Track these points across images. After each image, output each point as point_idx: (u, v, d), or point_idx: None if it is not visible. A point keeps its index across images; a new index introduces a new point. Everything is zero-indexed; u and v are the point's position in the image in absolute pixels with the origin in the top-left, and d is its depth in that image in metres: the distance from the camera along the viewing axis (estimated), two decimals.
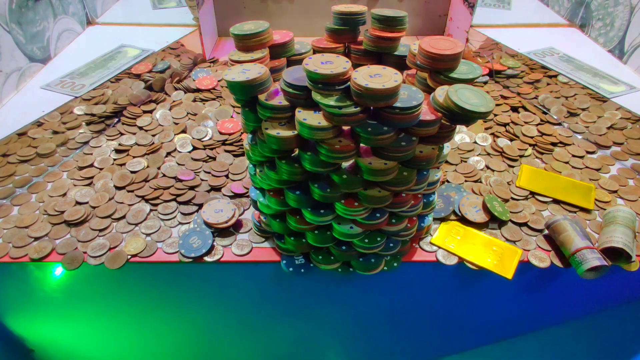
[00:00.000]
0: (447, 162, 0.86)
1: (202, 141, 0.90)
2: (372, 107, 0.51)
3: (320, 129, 0.50)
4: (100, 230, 0.71)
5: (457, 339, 0.90)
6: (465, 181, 0.82)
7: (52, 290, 0.74)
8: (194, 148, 0.89)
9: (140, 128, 0.93)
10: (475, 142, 0.92)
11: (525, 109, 1.00)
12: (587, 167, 0.85)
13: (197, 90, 1.06)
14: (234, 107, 1.00)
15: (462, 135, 0.93)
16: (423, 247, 0.70)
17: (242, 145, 0.89)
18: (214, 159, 0.86)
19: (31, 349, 0.91)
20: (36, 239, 0.70)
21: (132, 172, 0.82)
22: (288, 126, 0.54)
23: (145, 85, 1.03)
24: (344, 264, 0.67)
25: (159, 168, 0.84)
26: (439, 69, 0.55)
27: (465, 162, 0.86)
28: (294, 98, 0.53)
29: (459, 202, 0.75)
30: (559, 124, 0.97)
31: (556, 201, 0.78)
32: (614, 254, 0.66)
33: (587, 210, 0.76)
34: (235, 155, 0.87)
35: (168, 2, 1.34)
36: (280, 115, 0.54)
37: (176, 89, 1.05)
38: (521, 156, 0.88)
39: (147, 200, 0.77)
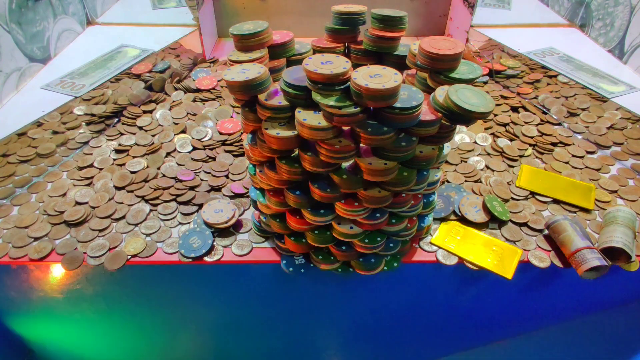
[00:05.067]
0: (447, 162, 0.86)
1: (202, 141, 0.90)
2: (372, 107, 0.51)
3: (320, 129, 0.50)
4: (100, 231, 0.71)
5: (457, 339, 0.90)
6: (465, 181, 0.82)
7: (52, 290, 0.74)
8: (194, 148, 0.89)
9: (140, 128, 0.93)
10: (475, 142, 0.92)
11: (525, 109, 1.00)
12: (587, 167, 0.85)
13: (197, 90, 1.06)
14: (234, 107, 1.00)
15: (462, 135, 0.93)
16: (423, 247, 0.70)
17: (242, 145, 0.89)
18: (214, 159, 0.86)
19: (31, 349, 0.91)
20: (36, 239, 0.70)
21: (132, 172, 0.82)
22: (288, 126, 0.54)
23: (145, 85, 1.02)
24: (344, 264, 0.67)
25: (158, 168, 0.84)
26: (439, 69, 0.55)
27: (465, 162, 0.86)
28: (294, 98, 0.53)
29: (459, 202, 0.75)
30: (559, 124, 0.97)
31: (556, 201, 0.78)
32: (614, 254, 0.66)
33: (587, 210, 0.76)
34: (235, 155, 0.87)
35: (168, 2, 1.34)
36: (280, 115, 0.54)
37: (176, 89, 1.05)
38: (521, 156, 0.88)
39: (147, 201, 0.77)
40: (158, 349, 0.95)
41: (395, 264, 0.67)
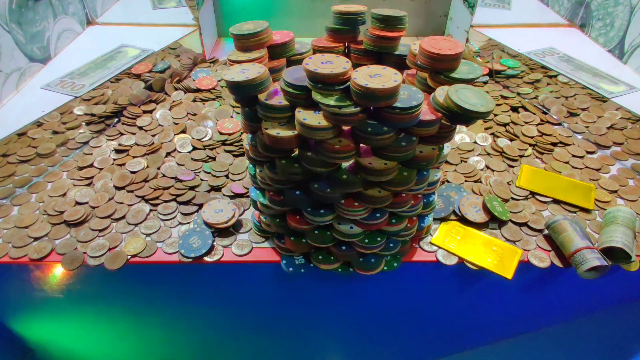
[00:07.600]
0: (447, 162, 0.86)
1: (202, 141, 0.90)
2: (372, 107, 0.51)
3: (320, 129, 0.50)
4: (100, 231, 0.71)
5: (457, 339, 0.90)
6: (465, 181, 0.82)
7: (52, 290, 0.74)
8: (194, 148, 0.89)
9: (140, 128, 0.93)
10: (475, 142, 0.92)
11: (525, 109, 1.00)
12: (587, 167, 0.85)
13: (197, 90, 1.06)
14: (234, 107, 1.00)
15: (462, 135, 0.93)
16: (423, 247, 0.70)
17: (242, 145, 0.89)
18: (214, 159, 0.86)
19: (31, 348, 0.91)
20: (36, 239, 0.70)
21: (132, 172, 0.82)
22: (288, 126, 0.54)
23: (145, 85, 1.02)
24: (344, 264, 0.67)
25: (158, 168, 0.84)
26: (440, 69, 0.55)
27: (465, 162, 0.86)
28: (294, 98, 0.53)
29: (459, 202, 0.75)
30: (559, 124, 0.97)
31: (556, 201, 0.78)
32: (614, 253, 0.66)
33: (587, 210, 0.76)
34: (235, 155, 0.87)
35: (168, 2, 1.34)
36: (280, 115, 0.54)
37: (176, 89, 1.05)
38: (521, 156, 0.88)
39: (147, 201, 0.77)
40: (158, 348, 0.95)
41: (395, 264, 0.67)
